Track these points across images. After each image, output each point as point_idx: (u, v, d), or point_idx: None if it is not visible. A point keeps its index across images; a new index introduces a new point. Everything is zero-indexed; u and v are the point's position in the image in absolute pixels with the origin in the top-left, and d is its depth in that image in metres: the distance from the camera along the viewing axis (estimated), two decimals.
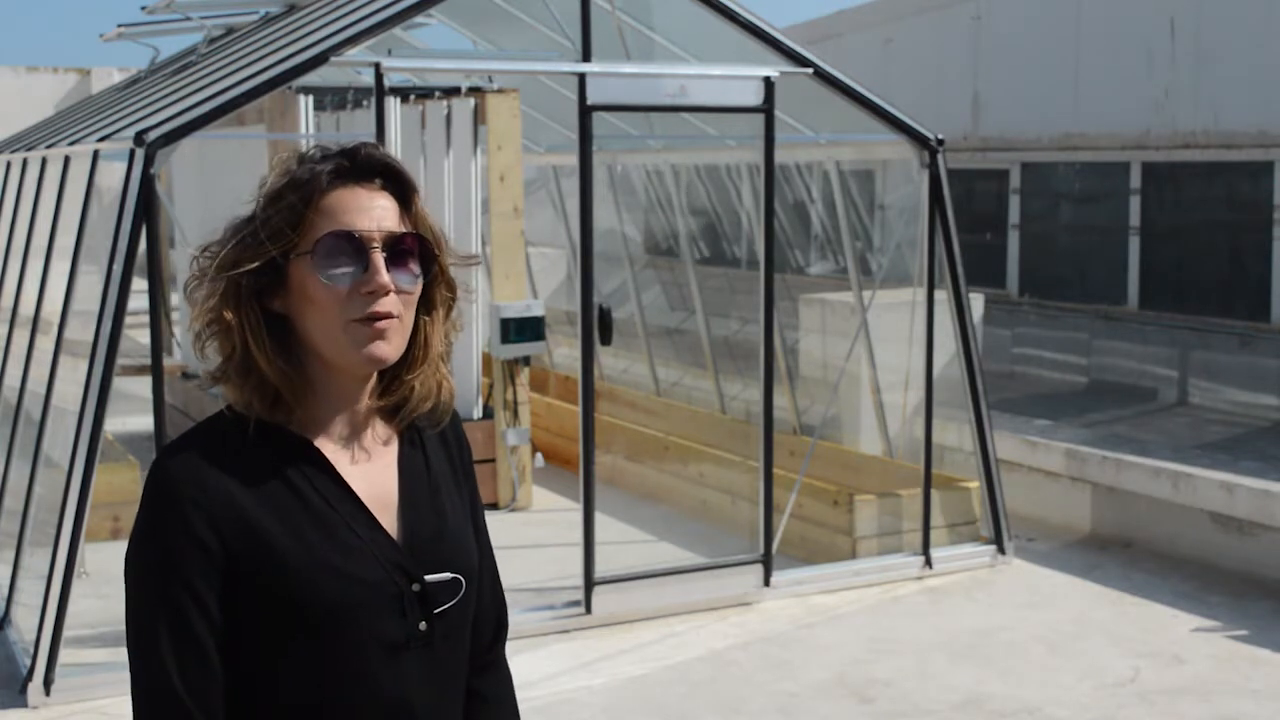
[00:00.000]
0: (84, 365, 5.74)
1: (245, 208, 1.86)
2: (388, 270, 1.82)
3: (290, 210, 1.81)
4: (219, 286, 1.82)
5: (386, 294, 1.81)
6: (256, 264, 1.80)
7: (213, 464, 1.82)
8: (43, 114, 16.22)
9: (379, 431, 1.94)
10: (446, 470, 2.01)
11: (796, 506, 7.38)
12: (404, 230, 1.85)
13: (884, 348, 8.26)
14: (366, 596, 1.83)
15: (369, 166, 1.86)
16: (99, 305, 5.72)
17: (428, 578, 1.89)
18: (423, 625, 1.87)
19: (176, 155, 6.04)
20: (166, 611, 1.77)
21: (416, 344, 1.90)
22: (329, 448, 1.88)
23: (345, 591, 1.82)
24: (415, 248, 1.86)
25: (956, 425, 8.04)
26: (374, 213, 1.84)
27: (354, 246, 1.81)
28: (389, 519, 1.90)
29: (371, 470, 1.91)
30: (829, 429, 8.50)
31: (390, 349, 1.84)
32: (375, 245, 1.82)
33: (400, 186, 1.88)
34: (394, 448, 1.95)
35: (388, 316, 1.82)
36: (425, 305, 1.90)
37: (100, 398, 5.64)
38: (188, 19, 9.69)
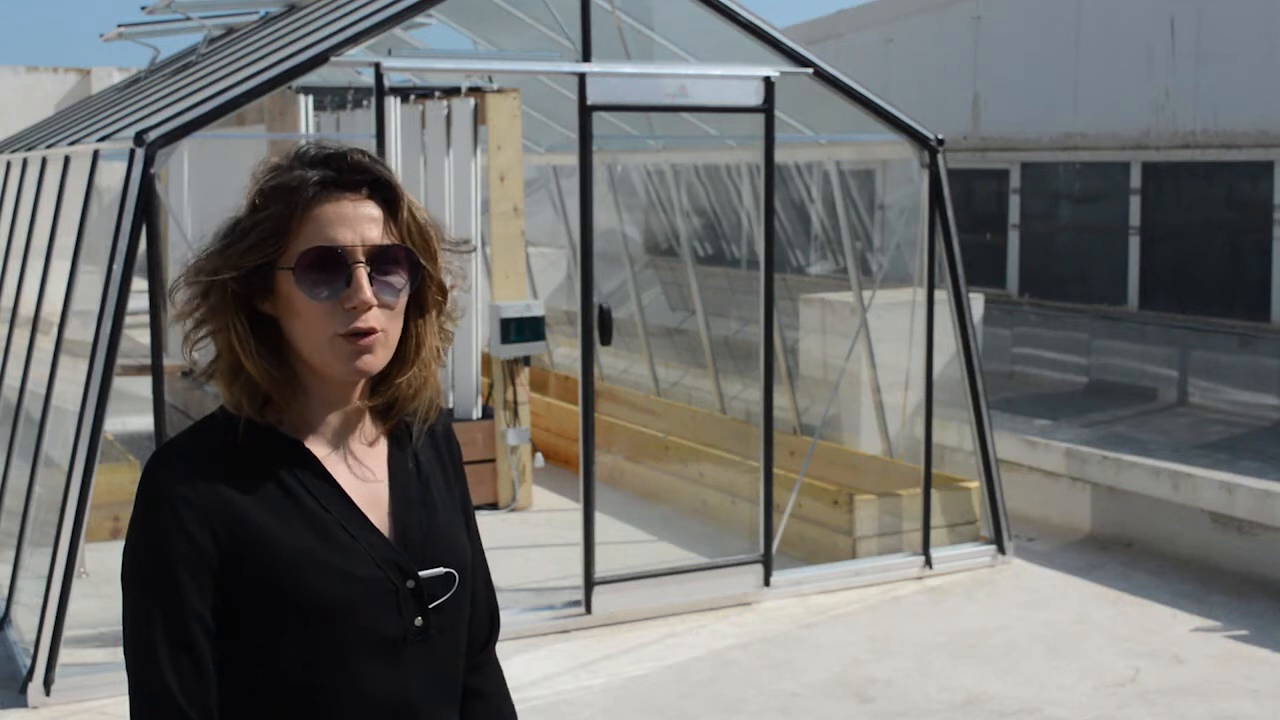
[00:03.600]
0: (84, 365, 5.74)
1: (237, 208, 1.87)
2: (372, 283, 1.81)
3: (273, 221, 1.81)
4: (205, 289, 1.82)
5: (369, 309, 1.81)
6: (237, 274, 1.81)
7: (205, 465, 1.83)
8: (43, 114, 16.23)
9: (368, 430, 1.94)
10: (436, 467, 2.02)
11: (796, 506, 7.38)
12: (388, 242, 1.84)
13: (884, 348, 8.26)
14: (362, 595, 1.84)
15: (356, 175, 1.85)
16: (99, 305, 5.72)
17: (422, 573, 1.89)
18: (419, 621, 1.88)
19: (176, 155, 6.04)
20: (162, 615, 1.78)
21: (408, 346, 1.90)
22: (319, 448, 1.89)
23: (341, 590, 1.82)
24: (402, 257, 1.85)
25: (956, 425, 8.04)
26: (358, 224, 1.82)
27: (336, 262, 1.81)
28: (380, 517, 1.90)
29: (361, 469, 1.92)
30: (829, 429, 8.50)
31: (376, 361, 1.84)
32: (358, 260, 1.81)
33: (387, 194, 1.86)
34: (383, 446, 1.96)
35: (370, 332, 1.82)
36: (417, 307, 1.90)
37: (100, 398, 5.65)
38: (188, 19, 9.69)
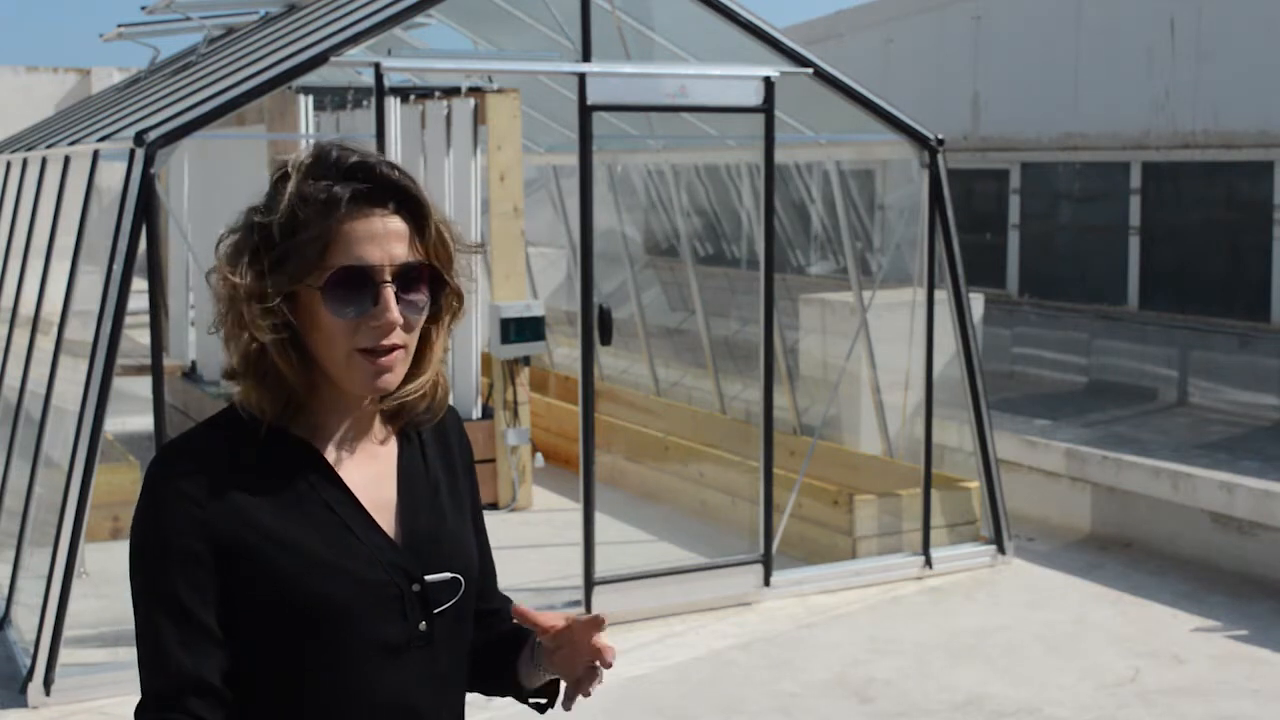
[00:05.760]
0: (84, 365, 5.74)
1: (259, 205, 1.84)
2: (397, 301, 1.81)
3: (310, 244, 1.79)
4: (251, 312, 1.80)
5: (394, 329, 1.81)
6: (279, 298, 1.79)
7: (212, 463, 1.82)
8: (43, 114, 16.23)
9: (377, 432, 1.94)
10: (445, 468, 2.01)
11: (796, 506, 7.38)
12: (414, 259, 1.83)
13: (884, 348, 8.25)
14: (366, 597, 1.83)
15: (384, 189, 1.83)
16: (99, 305, 5.72)
17: (427, 578, 1.89)
18: (423, 625, 1.88)
19: (176, 155, 6.04)
20: (164, 610, 1.78)
21: (423, 352, 1.90)
22: (328, 450, 1.89)
23: (344, 592, 1.82)
24: (427, 275, 1.85)
25: (956, 425, 8.04)
26: (387, 242, 1.81)
27: (364, 280, 1.80)
28: (387, 520, 1.90)
29: (370, 472, 1.91)
30: (829, 429, 8.50)
31: (394, 378, 1.85)
32: (386, 280, 1.80)
33: (415, 209, 1.85)
34: (392, 448, 1.96)
35: (392, 350, 1.82)
36: (433, 313, 1.90)
37: (100, 398, 5.64)
38: (188, 19, 9.69)
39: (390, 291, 1.80)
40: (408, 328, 1.83)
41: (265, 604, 1.80)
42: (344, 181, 1.81)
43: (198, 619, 1.78)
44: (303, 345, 1.84)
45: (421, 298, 1.84)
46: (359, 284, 1.80)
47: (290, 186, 1.82)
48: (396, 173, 1.84)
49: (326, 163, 1.83)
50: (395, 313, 1.80)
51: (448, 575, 1.91)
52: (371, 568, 1.85)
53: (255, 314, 1.79)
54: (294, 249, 1.79)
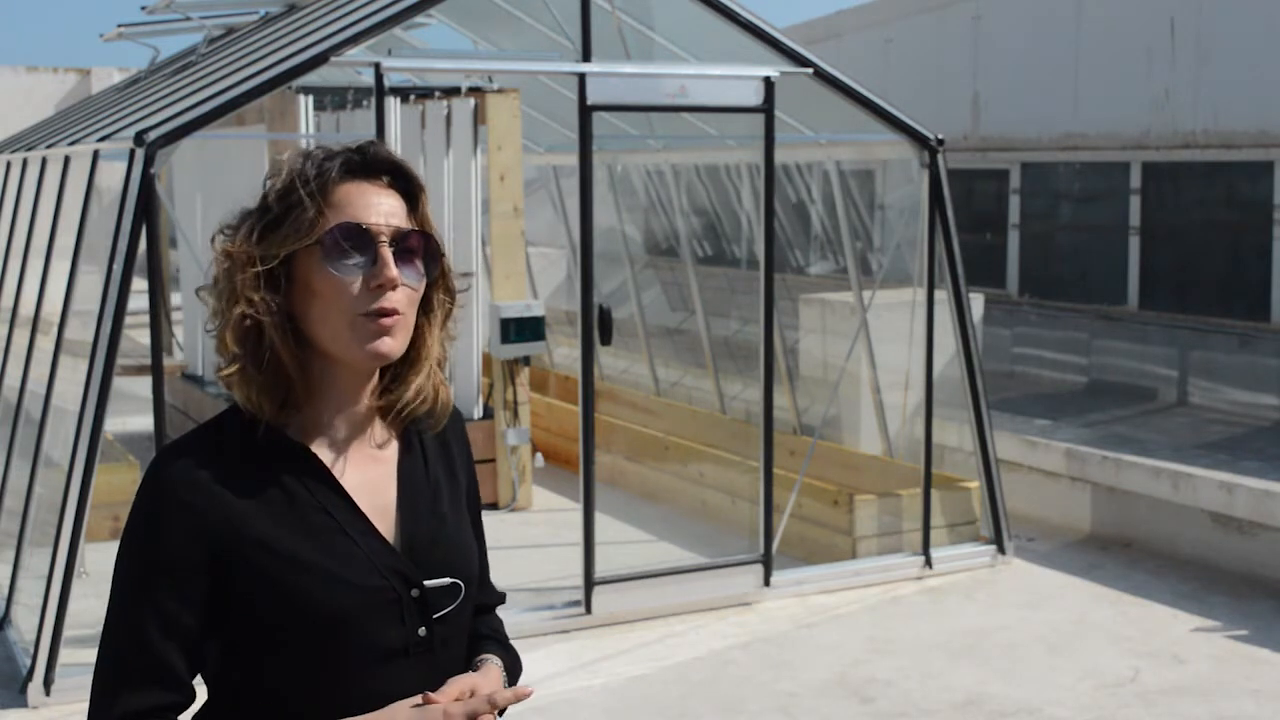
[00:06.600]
0: (84, 365, 5.74)
1: (253, 201, 1.87)
2: (396, 264, 1.83)
3: (303, 207, 1.82)
4: (245, 281, 1.81)
5: (394, 288, 1.82)
6: (276, 260, 1.81)
7: (209, 466, 1.82)
8: (43, 114, 16.23)
9: (377, 434, 1.94)
10: (445, 470, 2.01)
11: (796, 506, 7.38)
12: (411, 228, 1.86)
13: (884, 348, 8.26)
14: (364, 602, 1.82)
15: (377, 164, 1.87)
16: (99, 305, 5.72)
17: (427, 583, 1.88)
18: (422, 631, 1.87)
19: (176, 155, 6.04)
20: (153, 607, 1.79)
21: (414, 345, 1.90)
22: (328, 453, 1.88)
23: (342, 597, 1.81)
24: (420, 246, 1.86)
25: (956, 425, 8.04)
26: (382, 208, 1.84)
27: (363, 239, 1.82)
28: (387, 524, 1.90)
29: (370, 475, 1.91)
30: (829, 429, 8.50)
31: (395, 345, 1.84)
32: (383, 239, 1.82)
33: (407, 185, 1.89)
34: (393, 451, 1.95)
35: (393, 312, 1.82)
36: (423, 307, 1.90)
37: (100, 398, 5.64)
38: (188, 19, 9.69)
39: (388, 251, 1.82)
40: (406, 294, 1.84)
41: (261, 609, 1.79)
42: (334, 159, 1.86)
43: (183, 626, 1.78)
44: (298, 327, 1.84)
45: (419, 265, 1.86)
46: (359, 242, 1.82)
47: (283, 172, 1.86)
48: (387, 151, 1.89)
49: (316, 152, 1.88)
50: (394, 270, 1.82)
51: (447, 580, 1.90)
52: (369, 573, 1.84)
53: (249, 280, 1.80)
54: (290, 209, 1.82)
